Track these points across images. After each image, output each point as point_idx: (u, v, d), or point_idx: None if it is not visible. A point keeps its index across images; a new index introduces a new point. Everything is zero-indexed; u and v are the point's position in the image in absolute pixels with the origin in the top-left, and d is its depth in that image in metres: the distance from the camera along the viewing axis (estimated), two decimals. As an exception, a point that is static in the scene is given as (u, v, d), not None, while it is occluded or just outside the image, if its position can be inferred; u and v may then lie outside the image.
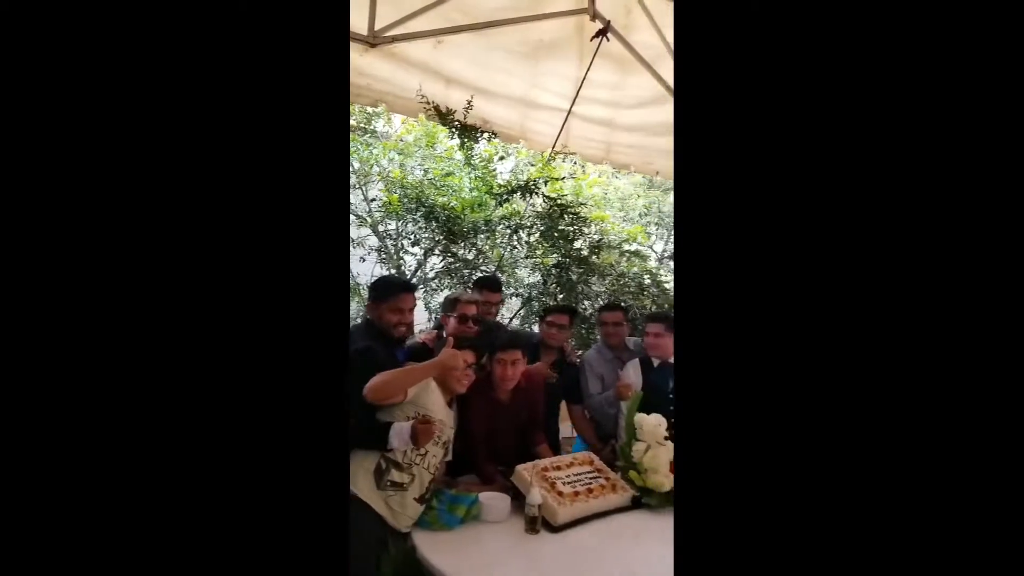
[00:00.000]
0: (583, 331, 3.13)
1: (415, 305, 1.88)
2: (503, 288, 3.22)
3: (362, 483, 1.50)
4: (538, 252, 3.14)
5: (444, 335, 2.17)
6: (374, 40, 2.30)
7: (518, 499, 1.67)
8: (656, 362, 2.19)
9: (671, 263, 5.73)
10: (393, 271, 3.18)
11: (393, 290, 1.80)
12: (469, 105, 2.62)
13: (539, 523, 1.58)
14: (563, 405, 2.39)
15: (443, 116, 2.66)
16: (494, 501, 1.67)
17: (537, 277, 3.31)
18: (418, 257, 3.22)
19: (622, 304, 2.83)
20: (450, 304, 2.18)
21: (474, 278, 2.89)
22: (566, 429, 2.50)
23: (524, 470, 1.71)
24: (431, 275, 3.21)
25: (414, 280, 3.20)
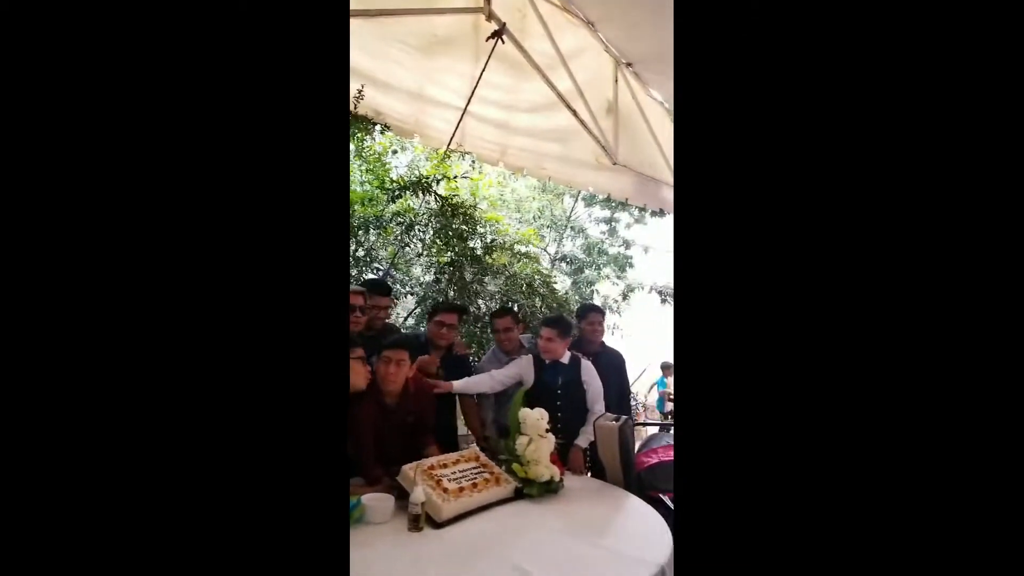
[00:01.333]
0: (476, 330, 3.16)
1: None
2: (396, 287, 3.15)
3: None
4: (433, 251, 3.12)
5: None
6: (253, 15, 2.13)
7: (403, 499, 1.64)
8: (547, 360, 2.28)
9: (563, 265, 6.00)
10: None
11: None
12: (360, 94, 2.52)
13: (422, 520, 1.56)
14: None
15: (332, 103, 2.54)
16: (377, 502, 1.63)
17: (430, 276, 3.28)
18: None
19: (512, 306, 2.90)
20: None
21: (365, 277, 2.80)
22: (464, 427, 2.51)
23: (409, 469, 1.70)
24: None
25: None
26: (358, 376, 1.72)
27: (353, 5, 2.30)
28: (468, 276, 2.91)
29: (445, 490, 1.67)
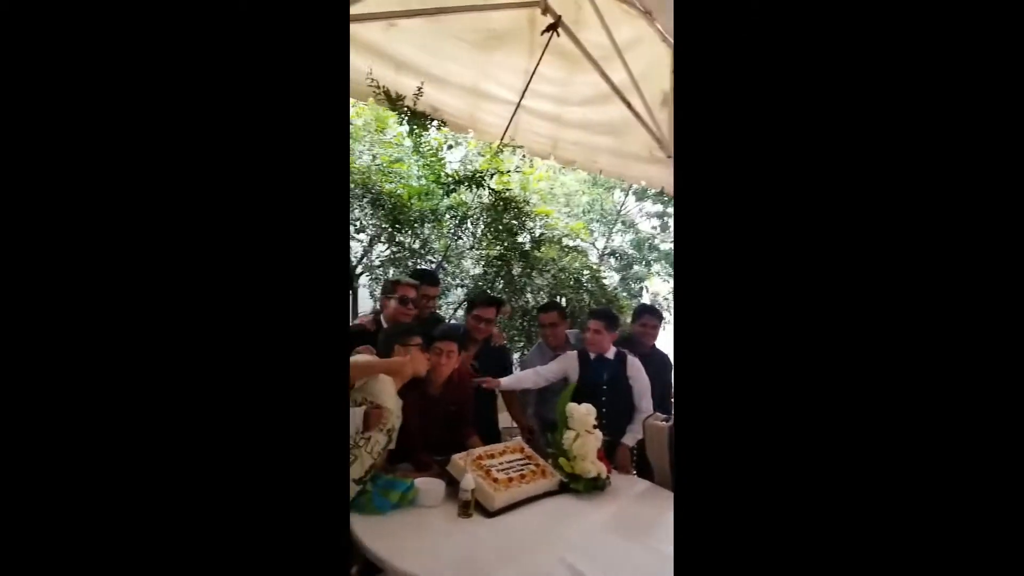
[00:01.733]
0: (525, 324, 3.18)
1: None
2: (447, 279, 3.22)
3: None
4: (483, 244, 3.16)
5: (382, 318, 2.17)
6: (320, 17, 2.22)
7: (452, 486, 1.70)
8: (593, 355, 2.27)
9: (611, 260, 5.92)
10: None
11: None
12: (419, 91, 2.58)
13: (472, 507, 1.62)
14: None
15: (392, 101, 2.62)
16: (429, 486, 1.70)
17: (481, 270, 3.33)
18: (363, 244, 3.16)
19: (559, 301, 2.90)
20: (389, 287, 2.19)
21: (418, 268, 2.88)
22: (505, 420, 2.55)
23: (459, 458, 1.76)
24: (376, 263, 3.16)
25: (359, 268, 3.13)
26: (419, 363, 1.79)
27: (413, 4, 2.36)
28: (516, 270, 2.94)
29: (495, 480, 1.71)
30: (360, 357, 1.74)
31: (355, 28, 2.37)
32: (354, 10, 2.29)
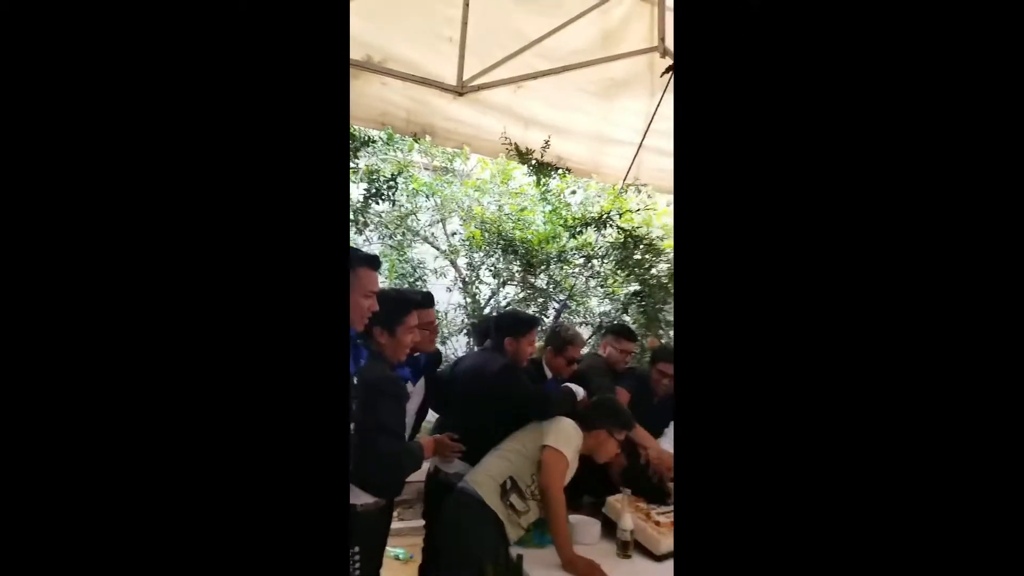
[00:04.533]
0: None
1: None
2: (572, 317, 3.30)
3: (486, 489, 1.59)
4: (609, 282, 3.20)
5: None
6: (462, 90, 2.51)
7: (607, 526, 1.70)
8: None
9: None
10: (469, 300, 3.34)
11: (528, 324, 1.97)
12: (547, 144, 2.77)
13: (631, 548, 1.60)
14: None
15: (523, 156, 2.83)
16: (585, 525, 1.71)
17: (607, 307, 3.36)
18: (492, 287, 3.37)
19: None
20: (557, 341, 2.15)
21: (551, 306, 2.99)
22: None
23: (615, 501, 1.74)
24: (504, 303, 3.35)
25: (486, 309, 3.34)
26: (610, 452, 1.78)
27: (539, 65, 2.58)
28: (656, 304, 2.94)
29: (657, 523, 1.67)
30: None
31: (487, 93, 2.64)
32: (486, 79, 2.56)
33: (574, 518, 1.71)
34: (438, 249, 3.37)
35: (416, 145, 3.02)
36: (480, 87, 2.54)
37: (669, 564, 1.56)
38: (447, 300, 3.33)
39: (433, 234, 3.41)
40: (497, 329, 2.02)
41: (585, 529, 1.69)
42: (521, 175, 3.22)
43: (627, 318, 3.16)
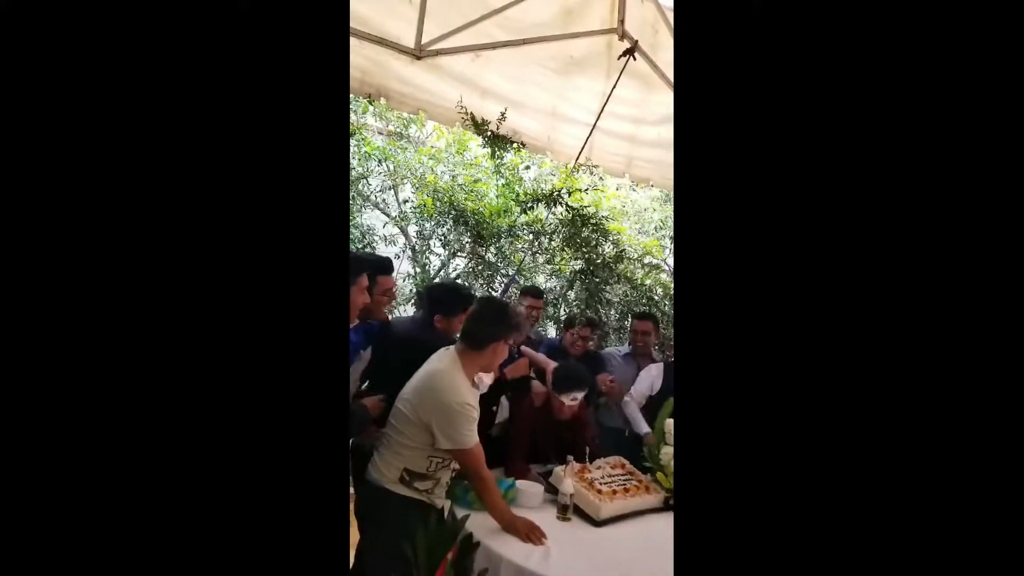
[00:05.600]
0: (611, 335, 3.26)
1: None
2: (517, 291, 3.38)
3: (390, 479, 1.52)
4: (556, 259, 3.28)
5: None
6: (420, 53, 2.46)
7: (552, 493, 1.75)
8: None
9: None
10: (419, 270, 3.33)
11: (463, 304, 1.88)
12: (503, 117, 2.77)
13: (570, 511, 1.66)
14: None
15: (478, 126, 2.82)
16: (529, 488, 1.76)
17: (554, 283, 3.45)
18: (442, 258, 3.38)
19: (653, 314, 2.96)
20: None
21: (498, 279, 3.04)
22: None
23: (560, 470, 1.80)
24: (454, 275, 3.36)
25: (436, 280, 3.34)
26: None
27: (499, 36, 2.56)
28: (599, 283, 3.04)
29: (599, 491, 1.73)
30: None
31: (445, 59, 2.60)
32: (444, 44, 2.52)
33: (520, 483, 1.76)
34: (388, 216, 3.33)
35: (370, 107, 2.94)
36: (438, 52, 2.50)
37: (607, 529, 1.63)
38: (396, 269, 3.31)
39: (384, 200, 3.36)
40: (430, 301, 1.96)
41: (530, 493, 1.75)
42: (476, 146, 3.21)
43: (571, 295, 3.26)
